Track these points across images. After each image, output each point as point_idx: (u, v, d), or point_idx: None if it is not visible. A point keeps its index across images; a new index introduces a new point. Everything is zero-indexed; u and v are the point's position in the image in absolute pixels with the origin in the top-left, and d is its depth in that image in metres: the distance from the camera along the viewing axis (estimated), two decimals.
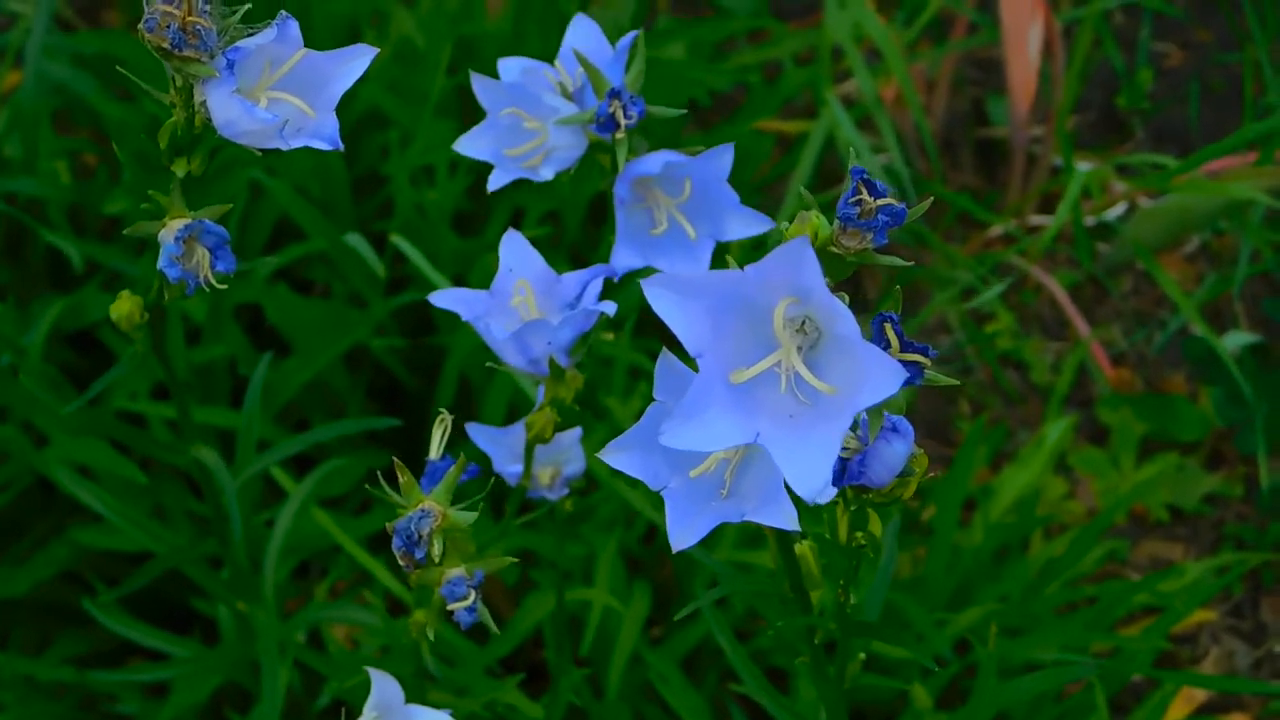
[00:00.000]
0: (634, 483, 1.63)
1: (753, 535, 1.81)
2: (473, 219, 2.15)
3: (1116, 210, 2.39)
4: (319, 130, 1.07)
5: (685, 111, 1.22)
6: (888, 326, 0.92)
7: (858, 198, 0.91)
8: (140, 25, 1.03)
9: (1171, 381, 2.30)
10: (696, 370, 0.86)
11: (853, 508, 1.05)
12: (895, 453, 0.96)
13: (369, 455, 1.92)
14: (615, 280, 1.23)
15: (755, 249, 1.85)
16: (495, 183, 1.23)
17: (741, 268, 0.85)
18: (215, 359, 1.92)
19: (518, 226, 1.50)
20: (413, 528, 1.08)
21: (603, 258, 1.28)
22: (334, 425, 1.61)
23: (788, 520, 0.92)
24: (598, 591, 1.72)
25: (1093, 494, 2.15)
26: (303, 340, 1.92)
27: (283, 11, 1.05)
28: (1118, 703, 1.91)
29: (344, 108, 1.09)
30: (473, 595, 1.13)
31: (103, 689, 1.76)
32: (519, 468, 1.34)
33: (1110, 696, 1.75)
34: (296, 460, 1.87)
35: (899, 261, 0.93)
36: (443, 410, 1.22)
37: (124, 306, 1.21)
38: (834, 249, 0.92)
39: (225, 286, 1.12)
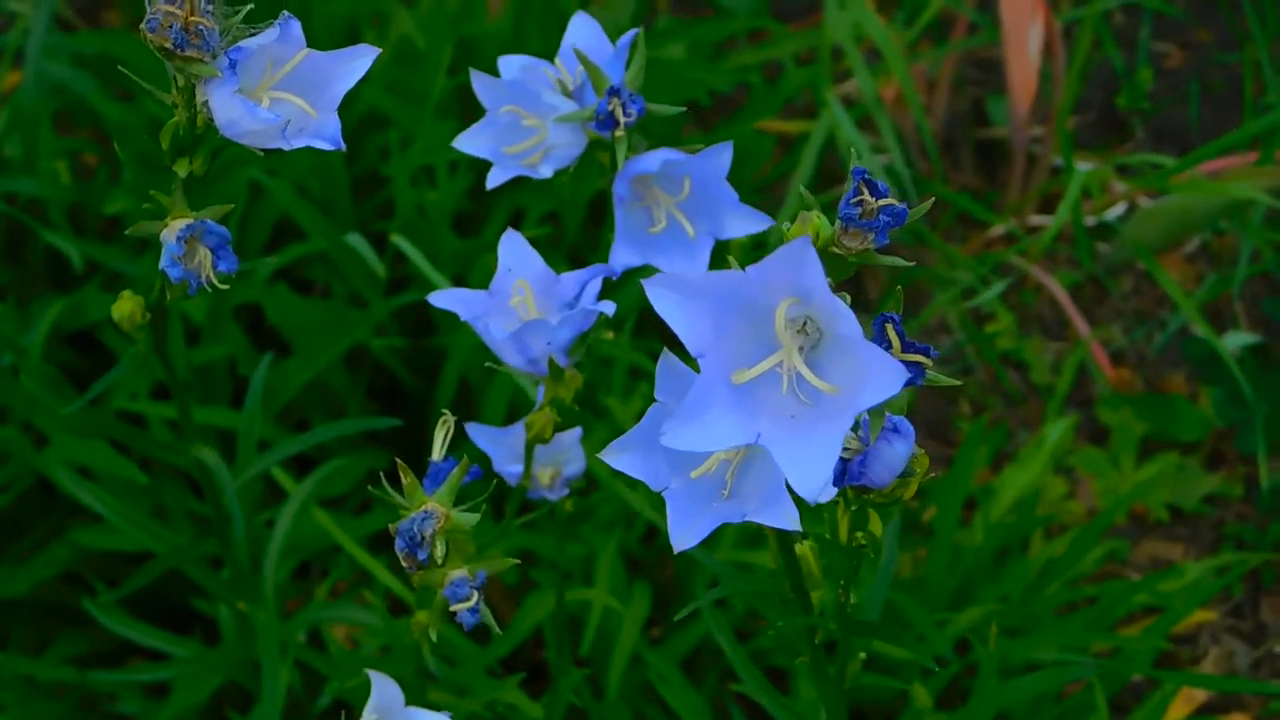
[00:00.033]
0: (634, 483, 1.63)
1: (753, 535, 1.80)
2: (473, 219, 2.15)
3: (1116, 210, 2.39)
4: (321, 130, 1.07)
5: (685, 109, 1.22)
6: (889, 327, 0.92)
7: (859, 198, 0.91)
8: (142, 25, 1.03)
9: (1171, 381, 2.30)
10: (698, 371, 0.86)
11: (853, 508, 1.05)
12: (896, 453, 0.95)
13: (369, 455, 1.93)
14: (614, 279, 1.23)
15: (756, 249, 1.85)
16: (494, 180, 1.23)
17: (743, 268, 0.85)
18: (215, 359, 1.92)
19: (517, 227, 1.50)
20: (416, 529, 1.08)
21: (602, 258, 1.28)
22: (334, 425, 1.61)
23: (789, 521, 0.92)
24: (598, 592, 1.72)
25: (1093, 494, 2.15)
26: (303, 340, 1.92)
27: (285, 11, 1.05)
28: (1118, 703, 1.91)
29: (345, 108, 1.10)
30: (475, 596, 1.13)
31: (103, 689, 1.76)
32: (519, 468, 1.34)
33: (1110, 696, 1.75)
34: (297, 460, 1.87)
35: (900, 262, 0.93)
36: (445, 411, 1.22)
37: (126, 306, 1.21)
38: (835, 249, 0.92)
39: (226, 287, 1.12)
